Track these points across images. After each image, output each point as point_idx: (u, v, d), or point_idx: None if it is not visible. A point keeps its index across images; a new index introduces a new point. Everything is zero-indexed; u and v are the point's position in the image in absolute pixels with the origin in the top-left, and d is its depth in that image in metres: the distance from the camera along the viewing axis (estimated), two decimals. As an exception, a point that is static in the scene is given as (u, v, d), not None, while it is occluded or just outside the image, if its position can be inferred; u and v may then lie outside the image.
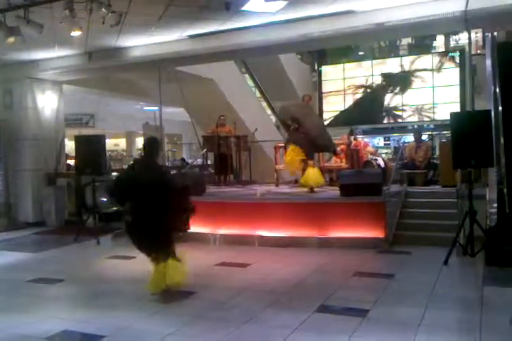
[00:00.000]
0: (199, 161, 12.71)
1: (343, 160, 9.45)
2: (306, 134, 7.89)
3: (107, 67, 9.33)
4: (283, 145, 8.69)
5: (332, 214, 7.07)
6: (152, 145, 4.94)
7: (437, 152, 9.74)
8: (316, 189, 8.16)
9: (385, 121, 14.58)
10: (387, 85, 14.31)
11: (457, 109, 12.39)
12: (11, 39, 6.19)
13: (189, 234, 7.70)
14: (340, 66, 14.84)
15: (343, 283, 5.15)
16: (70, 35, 6.27)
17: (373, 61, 14.52)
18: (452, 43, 14.56)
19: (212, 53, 8.28)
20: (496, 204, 6.19)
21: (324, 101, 15.09)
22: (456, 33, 13.92)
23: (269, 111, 15.40)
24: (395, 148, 15.33)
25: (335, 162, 9.61)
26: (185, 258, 4.81)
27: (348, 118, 14.45)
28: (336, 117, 15.01)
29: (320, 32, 7.28)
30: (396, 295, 4.68)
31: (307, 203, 7.45)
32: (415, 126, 13.80)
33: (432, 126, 13.65)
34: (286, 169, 8.51)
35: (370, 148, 9.86)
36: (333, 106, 15.04)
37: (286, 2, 6.43)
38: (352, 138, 9.58)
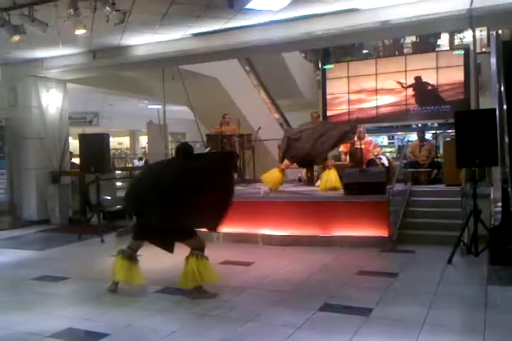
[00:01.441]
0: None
1: (347, 159, 9.45)
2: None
3: (111, 65, 9.34)
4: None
5: (336, 212, 7.06)
6: (185, 150, 4.93)
7: (441, 151, 9.72)
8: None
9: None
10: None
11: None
12: (16, 37, 6.22)
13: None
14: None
15: (346, 281, 5.15)
16: (74, 34, 6.29)
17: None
18: (457, 41, 14.49)
19: (216, 52, 8.28)
20: (500, 204, 6.17)
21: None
22: (460, 31, 13.87)
23: (272, 110, 15.39)
24: (398, 146, 15.30)
25: (343, 160, 9.61)
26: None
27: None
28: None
29: (324, 30, 7.27)
30: (400, 294, 4.67)
31: (311, 202, 7.44)
32: (419, 125, 13.75)
33: (436, 124, 13.60)
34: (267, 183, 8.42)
35: (378, 149, 9.79)
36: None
37: (289, 0, 6.42)
38: (365, 135, 9.57)
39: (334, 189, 7.97)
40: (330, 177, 8.09)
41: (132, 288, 4.88)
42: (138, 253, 4.96)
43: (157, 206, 4.62)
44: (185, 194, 4.57)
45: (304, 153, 8.25)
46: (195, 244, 4.75)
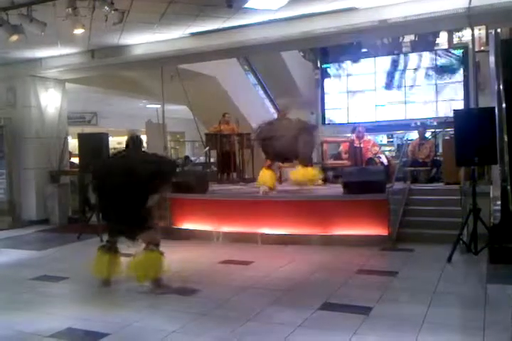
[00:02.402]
0: (202, 159, 12.71)
1: (345, 156, 9.48)
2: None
3: (110, 65, 9.33)
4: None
5: (335, 211, 7.06)
6: (135, 141, 5.20)
7: (440, 149, 9.72)
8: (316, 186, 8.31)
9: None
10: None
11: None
12: (14, 37, 6.20)
13: (192, 232, 7.78)
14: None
15: (346, 280, 5.15)
16: (72, 33, 6.28)
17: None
18: (455, 40, 14.47)
19: (214, 51, 8.27)
20: (499, 202, 6.17)
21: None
22: (459, 30, 13.85)
23: (272, 109, 15.38)
24: (398, 145, 15.30)
25: (343, 159, 9.63)
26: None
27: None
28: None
29: (322, 29, 7.26)
30: (399, 293, 4.68)
31: (310, 201, 7.44)
32: (418, 123, 13.76)
33: (435, 123, 13.60)
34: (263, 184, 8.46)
35: (376, 148, 9.81)
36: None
37: (288, -1, 6.42)
38: (364, 134, 9.59)
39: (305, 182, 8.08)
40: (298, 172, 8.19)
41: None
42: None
43: (109, 202, 4.98)
44: (124, 187, 4.79)
45: (281, 150, 8.22)
46: (148, 238, 4.87)
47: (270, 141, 8.20)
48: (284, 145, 8.05)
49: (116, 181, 4.81)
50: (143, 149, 5.38)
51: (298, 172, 8.12)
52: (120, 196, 4.80)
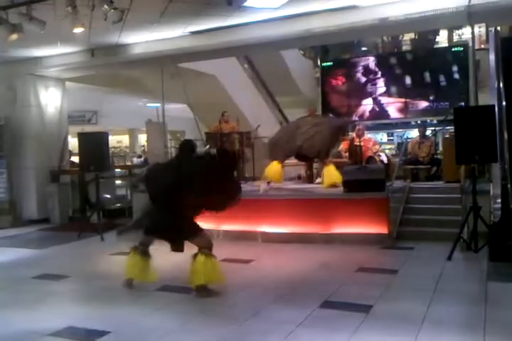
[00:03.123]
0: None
1: (346, 155, 9.48)
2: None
3: (110, 63, 9.33)
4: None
5: (335, 210, 7.06)
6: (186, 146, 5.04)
7: (441, 147, 9.73)
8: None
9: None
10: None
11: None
12: (14, 36, 6.20)
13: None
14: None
15: (346, 278, 5.16)
16: (72, 32, 6.28)
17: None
18: (455, 38, 14.47)
19: (214, 49, 8.28)
20: (499, 200, 6.17)
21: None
22: (459, 28, 13.85)
23: (271, 108, 15.37)
24: (398, 143, 15.30)
25: (343, 157, 9.62)
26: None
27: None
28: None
29: (322, 27, 7.27)
30: (400, 291, 4.68)
31: (310, 199, 7.44)
32: (418, 122, 13.75)
33: (435, 121, 13.60)
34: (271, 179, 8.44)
35: (377, 147, 9.80)
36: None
37: (288, -3, 6.42)
38: (364, 133, 9.58)
39: (335, 184, 7.99)
40: (330, 173, 8.12)
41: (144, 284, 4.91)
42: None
43: (165, 204, 4.66)
44: (190, 190, 4.56)
45: (297, 148, 8.30)
46: (202, 242, 4.75)
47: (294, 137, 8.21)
48: (316, 142, 8.08)
49: (173, 185, 4.59)
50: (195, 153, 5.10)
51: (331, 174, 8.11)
52: (175, 201, 4.58)
